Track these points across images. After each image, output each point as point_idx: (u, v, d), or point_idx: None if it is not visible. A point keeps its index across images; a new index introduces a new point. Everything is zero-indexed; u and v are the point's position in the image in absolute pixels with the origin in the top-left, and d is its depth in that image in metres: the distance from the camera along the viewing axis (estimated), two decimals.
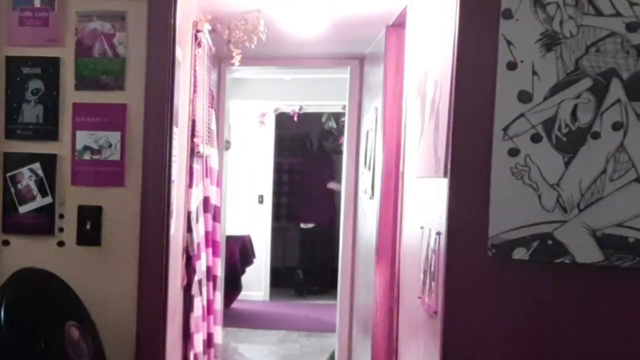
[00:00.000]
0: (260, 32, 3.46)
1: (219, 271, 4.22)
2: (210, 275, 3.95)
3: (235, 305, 6.89)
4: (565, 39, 1.84)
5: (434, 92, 2.24)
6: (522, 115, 1.86)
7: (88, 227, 2.40)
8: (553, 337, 1.91)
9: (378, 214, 3.45)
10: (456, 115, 1.96)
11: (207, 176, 3.75)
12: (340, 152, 6.47)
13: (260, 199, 7.74)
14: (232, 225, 6.35)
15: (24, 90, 2.40)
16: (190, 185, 3.15)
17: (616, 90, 1.82)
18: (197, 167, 3.36)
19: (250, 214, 7.63)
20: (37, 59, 2.40)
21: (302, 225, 8.11)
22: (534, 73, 1.86)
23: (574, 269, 1.87)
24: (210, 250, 3.93)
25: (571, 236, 1.85)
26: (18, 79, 2.40)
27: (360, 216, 4.59)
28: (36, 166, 2.40)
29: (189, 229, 3.15)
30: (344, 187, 4.99)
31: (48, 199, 2.40)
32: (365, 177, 4.22)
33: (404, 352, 2.74)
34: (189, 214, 3.13)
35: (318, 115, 7.99)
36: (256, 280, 7.53)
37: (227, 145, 5.12)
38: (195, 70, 3.20)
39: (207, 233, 3.79)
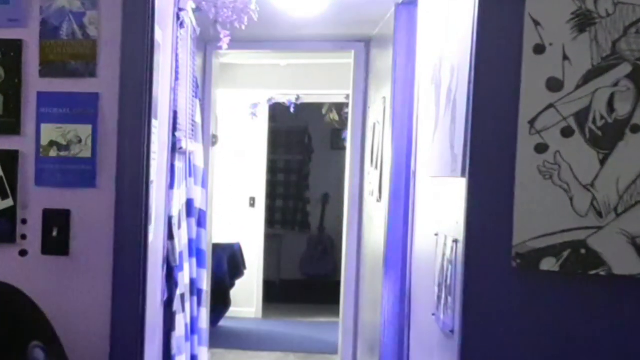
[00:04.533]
0: (252, 10, 3.46)
1: (205, 284, 4.23)
2: (194, 289, 3.94)
3: (223, 323, 6.89)
4: (600, 18, 1.84)
5: (451, 80, 2.24)
6: (551, 105, 1.86)
7: (55, 234, 2.39)
8: (586, 359, 1.92)
9: (386, 219, 3.45)
10: (476, 106, 1.96)
11: (190, 175, 3.75)
12: (343, 148, 6.48)
13: (252, 202, 7.74)
14: (220, 232, 6.35)
15: None
16: (171, 186, 3.15)
17: None
18: (180, 165, 3.36)
19: (241, 219, 7.63)
20: None
21: None
22: (565, 58, 1.86)
23: (610, 281, 1.87)
24: (194, 260, 3.93)
25: (607, 244, 1.85)
26: None
27: (366, 221, 4.59)
28: None
29: (170, 236, 3.15)
30: (347, 189, 4.99)
31: (9, 202, 2.40)
32: (371, 176, 4.22)
33: None
34: (170, 219, 3.13)
35: (318, 106, 7.99)
36: (247, 295, 7.53)
37: (213, 140, 5.12)
38: (177, 55, 3.20)
39: (190, 241, 3.79)
